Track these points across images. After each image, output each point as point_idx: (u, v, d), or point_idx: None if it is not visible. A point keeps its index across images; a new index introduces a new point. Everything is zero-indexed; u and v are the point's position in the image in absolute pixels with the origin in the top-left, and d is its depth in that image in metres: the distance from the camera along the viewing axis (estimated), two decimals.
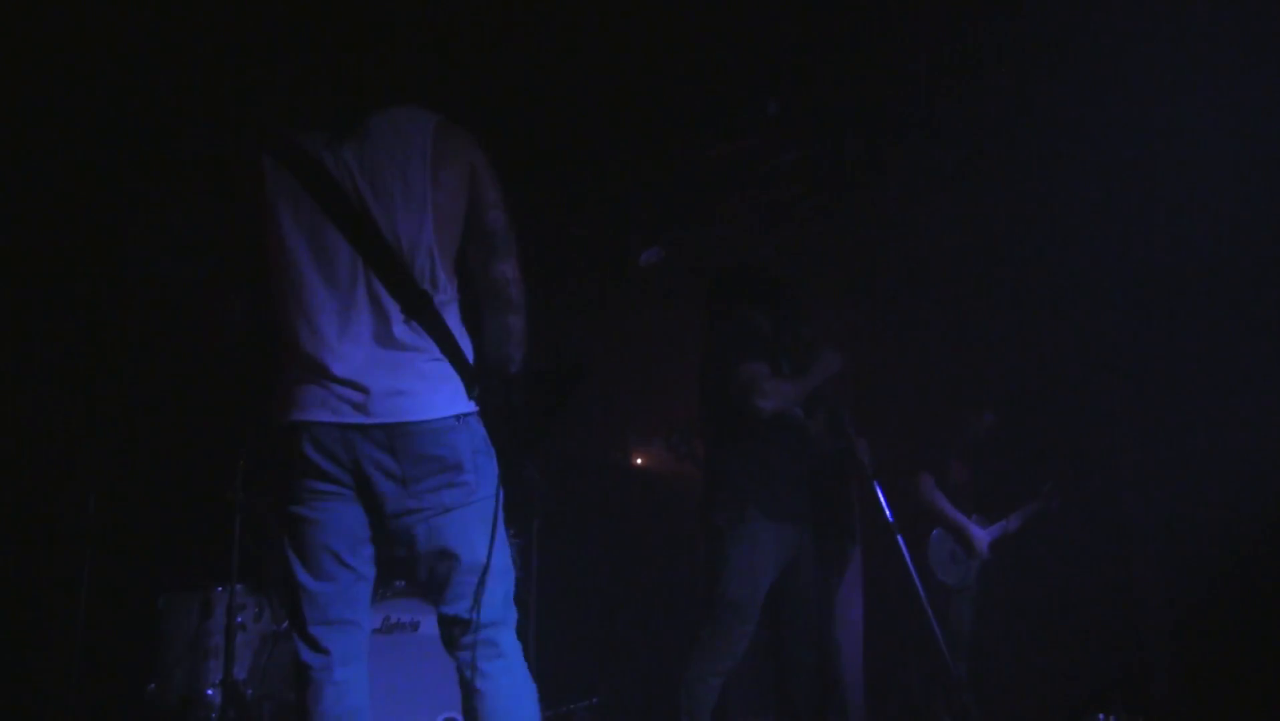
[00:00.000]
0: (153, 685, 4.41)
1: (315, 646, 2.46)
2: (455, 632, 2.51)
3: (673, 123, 5.20)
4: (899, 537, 3.94)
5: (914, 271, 6.35)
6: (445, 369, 2.45)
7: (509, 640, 2.57)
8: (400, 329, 2.39)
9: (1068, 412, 6.03)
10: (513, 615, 2.60)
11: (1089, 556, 5.88)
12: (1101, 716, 5.00)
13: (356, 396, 2.36)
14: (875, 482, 4.05)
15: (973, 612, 5.38)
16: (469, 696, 2.50)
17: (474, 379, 2.51)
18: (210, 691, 4.30)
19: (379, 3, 2.64)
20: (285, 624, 4.37)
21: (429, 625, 4.33)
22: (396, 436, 2.37)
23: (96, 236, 4.83)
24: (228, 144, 2.79)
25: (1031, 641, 5.85)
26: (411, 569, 2.51)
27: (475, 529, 2.47)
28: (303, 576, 2.44)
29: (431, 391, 2.41)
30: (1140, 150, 5.07)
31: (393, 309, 2.39)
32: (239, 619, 4.29)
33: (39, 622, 4.70)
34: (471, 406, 2.50)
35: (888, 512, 4.00)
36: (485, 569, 2.47)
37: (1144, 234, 5.47)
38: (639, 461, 6.83)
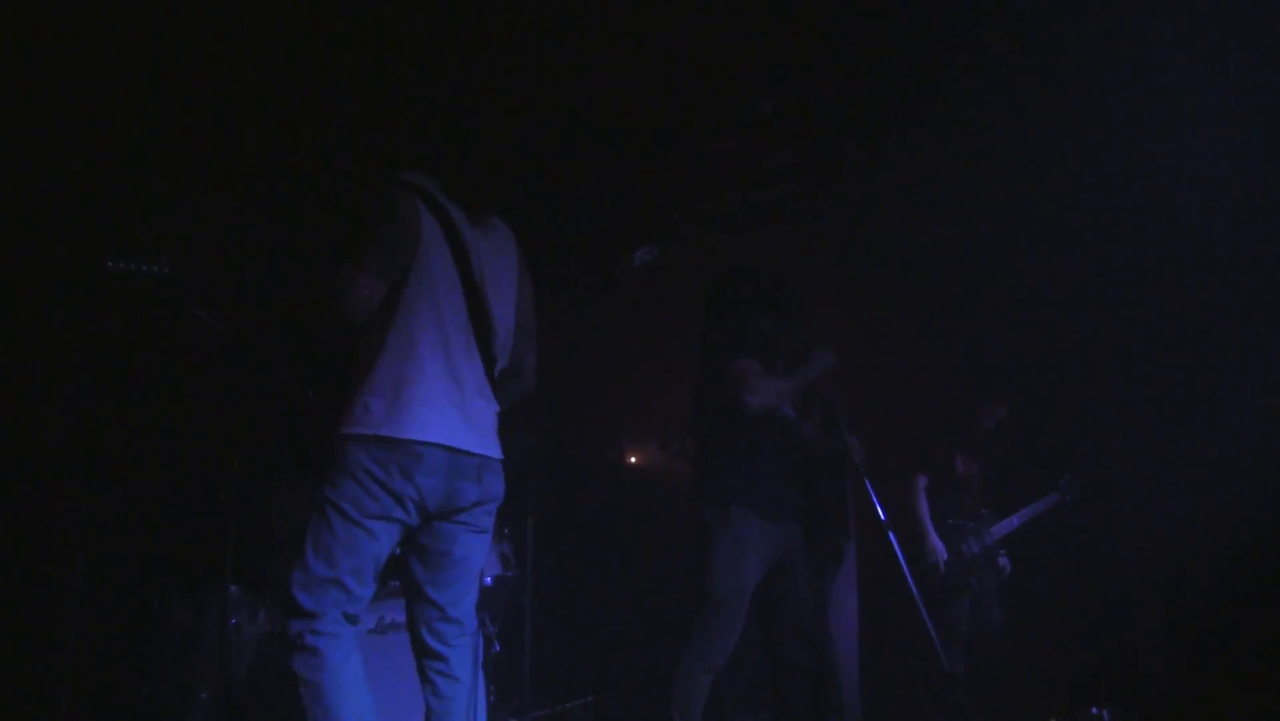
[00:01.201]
0: (146, 688, 4.41)
1: (325, 630, 2.71)
2: (448, 631, 2.93)
3: (666, 121, 5.20)
4: (891, 535, 3.94)
5: (910, 270, 6.36)
6: (497, 421, 3.02)
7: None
8: (484, 385, 2.95)
9: (1064, 409, 6.05)
10: None
11: (1082, 550, 5.90)
12: (1095, 710, 5.01)
13: (469, 430, 2.85)
14: (867, 481, 4.05)
15: (971, 611, 5.39)
16: (448, 682, 2.91)
17: None
18: (204, 694, 4.30)
19: None
20: (280, 624, 4.36)
21: None
22: (485, 467, 2.91)
23: (92, 235, 4.82)
24: (366, 171, 3.10)
25: (1025, 635, 5.87)
26: (423, 564, 2.90)
27: (485, 552, 3.03)
28: (348, 578, 2.73)
29: (497, 438, 2.99)
30: (1142, 150, 5.08)
31: (481, 369, 2.93)
32: (233, 620, 4.29)
33: (32, 625, 4.68)
34: None
35: (880, 511, 4.00)
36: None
37: (1144, 234, 5.48)
38: (633, 460, 6.83)
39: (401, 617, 4.36)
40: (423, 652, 2.93)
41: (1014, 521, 5.54)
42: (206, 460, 4.50)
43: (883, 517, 4.04)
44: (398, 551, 2.91)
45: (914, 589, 3.87)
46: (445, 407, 2.79)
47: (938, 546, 5.39)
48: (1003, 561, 5.49)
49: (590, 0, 4.36)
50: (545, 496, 5.09)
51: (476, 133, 3.04)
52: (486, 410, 2.94)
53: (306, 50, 4.10)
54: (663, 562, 5.72)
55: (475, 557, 2.96)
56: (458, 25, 4.37)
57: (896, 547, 3.93)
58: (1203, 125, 4.79)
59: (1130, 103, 4.84)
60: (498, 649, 4.72)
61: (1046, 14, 4.44)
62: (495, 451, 2.95)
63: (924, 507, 5.44)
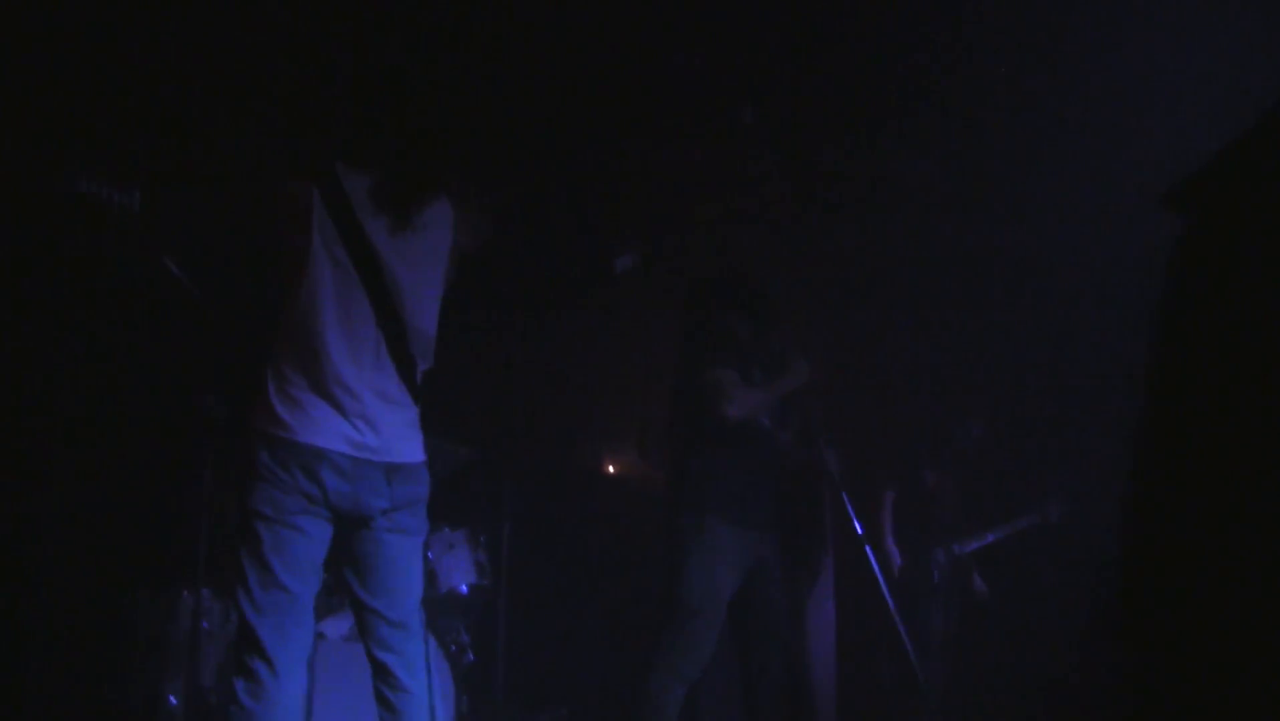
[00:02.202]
0: (112, 692, 4.36)
1: (272, 651, 2.69)
2: (393, 637, 2.90)
3: (647, 129, 5.19)
4: (867, 548, 3.93)
5: (893, 279, 6.36)
6: (417, 423, 2.97)
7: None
8: (395, 389, 2.88)
9: (1059, 424, 6.03)
10: None
11: (1075, 564, 5.88)
12: None
13: (371, 437, 2.81)
14: (844, 493, 4.05)
15: (941, 616, 5.39)
16: (396, 695, 2.89)
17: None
18: (173, 698, 4.25)
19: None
20: None
21: None
22: (394, 472, 2.85)
23: (59, 232, 4.77)
24: (277, 162, 2.99)
25: (1004, 645, 5.85)
26: (354, 571, 2.90)
27: (419, 552, 3.00)
28: (285, 578, 2.72)
29: (416, 440, 2.94)
30: (1133, 156, 5.08)
31: (392, 372, 2.88)
32: (204, 624, 4.24)
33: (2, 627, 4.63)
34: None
35: (855, 523, 4.00)
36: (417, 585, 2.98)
37: (1141, 242, 5.47)
38: (611, 468, 6.81)
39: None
40: (373, 668, 2.91)
41: (988, 537, 5.53)
42: (178, 459, 4.45)
43: (859, 530, 4.04)
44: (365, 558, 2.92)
45: (890, 601, 3.86)
46: (344, 413, 2.78)
47: (892, 552, 5.45)
48: (978, 584, 5.50)
49: (571, 6, 4.34)
50: (520, 504, 5.05)
51: (443, 130, 3.00)
52: (396, 414, 2.88)
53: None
54: (639, 572, 5.67)
55: (404, 559, 2.93)
56: (440, 27, 4.35)
57: (873, 560, 3.93)
58: (1197, 131, 4.80)
59: (1121, 105, 4.85)
60: (471, 659, 4.68)
61: (1031, 18, 4.44)
62: (408, 456, 2.90)
63: (887, 514, 5.49)
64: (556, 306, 6.25)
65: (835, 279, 6.34)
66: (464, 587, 4.69)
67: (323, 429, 2.74)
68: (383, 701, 2.88)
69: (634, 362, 6.13)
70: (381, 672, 2.88)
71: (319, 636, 4.05)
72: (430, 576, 4.60)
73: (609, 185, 5.69)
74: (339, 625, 4.47)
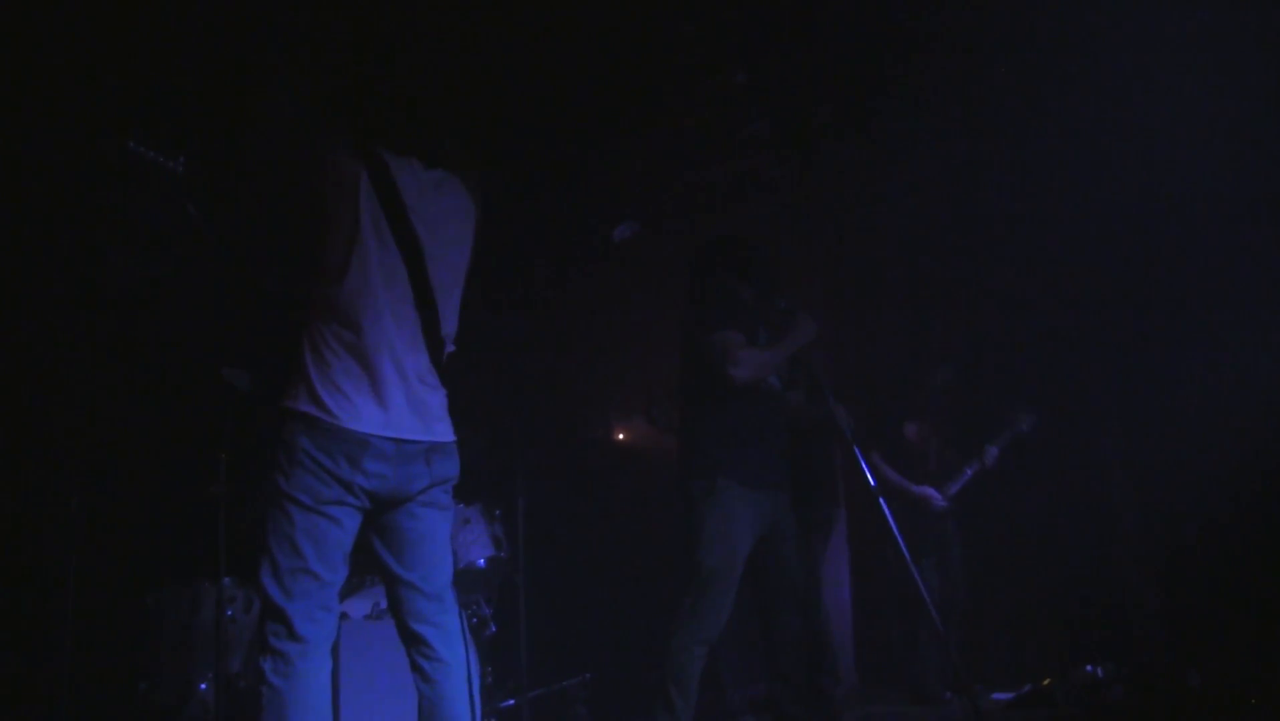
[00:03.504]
0: (144, 684, 4.41)
1: (301, 631, 2.68)
2: (428, 609, 2.90)
3: (642, 95, 5.18)
4: (881, 501, 3.96)
5: (886, 239, 6.37)
6: (446, 405, 2.98)
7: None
8: (429, 372, 2.90)
9: (1046, 366, 6.07)
10: None
11: (1072, 509, 5.93)
12: (1090, 667, 5.05)
13: (413, 419, 2.82)
14: (856, 448, 4.07)
15: (940, 575, 5.44)
16: (434, 665, 2.88)
17: None
18: (204, 686, 4.31)
19: None
20: None
21: None
22: (434, 452, 2.87)
23: (77, 232, 4.79)
24: (310, 137, 2.95)
25: (1017, 596, 5.91)
26: (388, 546, 2.89)
27: (449, 527, 3.02)
28: (317, 566, 2.71)
29: (448, 421, 2.95)
30: (1123, 124, 5.09)
31: (426, 356, 2.90)
32: (229, 611, 4.30)
33: (27, 626, 4.68)
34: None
35: (869, 476, 4.02)
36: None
37: (1122, 189, 5.49)
38: (621, 436, 6.84)
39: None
40: (407, 639, 2.92)
41: (967, 472, 5.56)
42: (197, 451, 4.48)
43: (872, 484, 4.06)
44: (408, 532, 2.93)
45: (906, 552, 3.89)
46: (390, 398, 2.79)
47: (928, 492, 5.45)
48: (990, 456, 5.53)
49: None
50: (534, 476, 5.09)
51: (451, 108, 3.02)
52: (433, 396, 2.91)
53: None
54: (655, 537, 5.73)
55: (439, 533, 2.97)
56: (431, 9, 4.34)
57: (887, 512, 3.95)
58: (1182, 112, 4.82)
59: (1108, 77, 4.85)
60: (493, 630, 4.74)
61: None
62: (445, 435, 2.93)
63: (891, 472, 5.49)
64: (558, 276, 6.27)
65: (828, 239, 6.36)
66: (482, 561, 4.74)
67: (367, 414, 2.74)
68: (420, 673, 2.88)
69: (638, 330, 6.16)
70: (419, 645, 2.89)
71: (342, 616, 4.08)
72: None
73: (605, 154, 5.68)
74: (361, 605, 4.52)
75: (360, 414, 2.73)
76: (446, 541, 2.98)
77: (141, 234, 4.70)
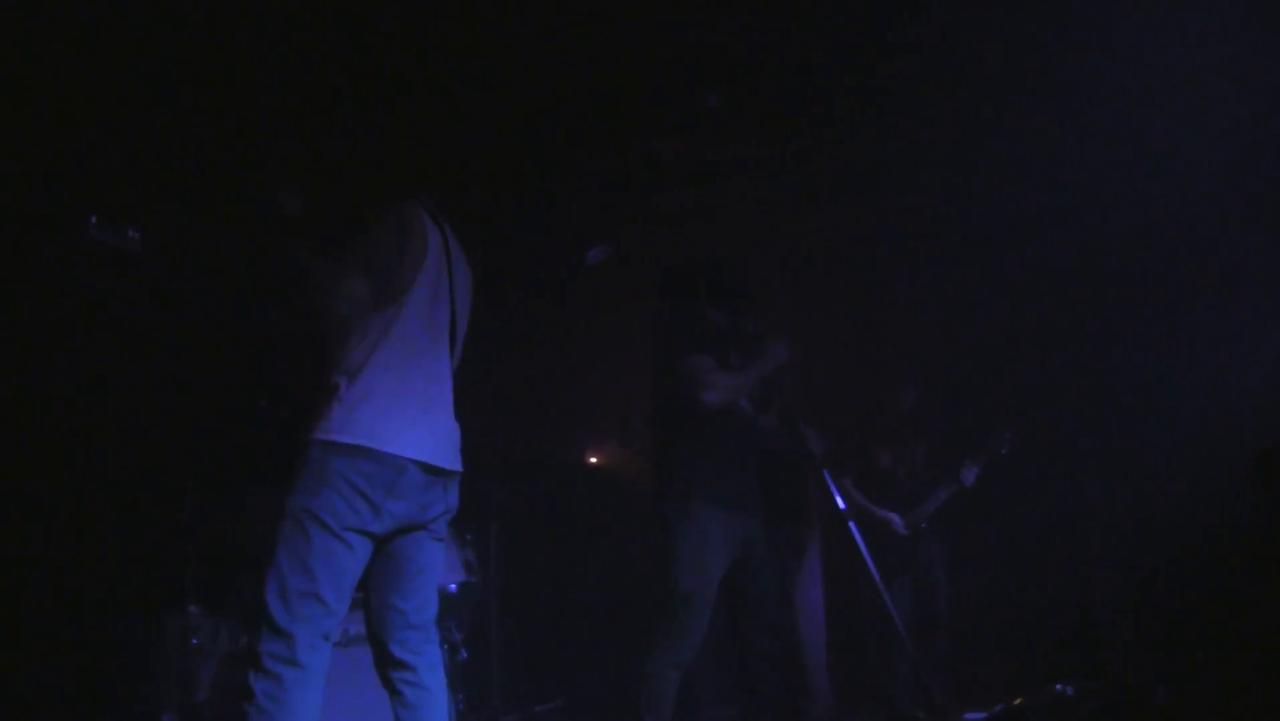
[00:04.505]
0: (108, 717, 4.35)
1: (301, 658, 2.64)
2: (415, 639, 2.93)
3: (615, 118, 5.19)
4: (851, 524, 3.98)
5: (859, 261, 6.40)
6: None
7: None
8: (450, 401, 3.04)
9: (1019, 385, 6.10)
10: None
11: (1041, 527, 5.96)
12: (1060, 686, 5.06)
13: (441, 447, 2.91)
14: (826, 472, 4.09)
15: (914, 596, 5.46)
16: (415, 691, 2.90)
17: None
18: (168, 717, 4.25)
19: None
20: (244, 641, 4.33)
21: None
22: (450, 480, 2.99)
23: (39, 252, 4.74)
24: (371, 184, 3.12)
25: (987, 616, 5.93)
26: (388, 573, 2.91)
27: (442, 558, 3.12)
28: (327, 592, 2.68)
29: (459, 454, 3.05)
30: (1096, 126, 5.14)
31: (450, 386, 3.05)
32: (195, 641, 4.24)
33: None
34: None
35: (839, 500, 4.04)
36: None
37: (1096, 205, 5.53)
38: (593, 460, 6.83)
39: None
40: (389, 664, 2.91)
41: (941, 495, 5.58)
42: (161, 477, 4.44)
43: (842, 507, 4.08)
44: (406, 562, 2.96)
45: (876, 575, 3.91)
46: (425, 425, 2.85)
47: (889, 516, 5.46)
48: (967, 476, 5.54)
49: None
50: (507, 499, 5.07)
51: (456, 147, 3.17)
52: (454, 426, 3.02)
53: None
54: (627, 561, 5.72)
55: (437, 564, 3.04)
56: (407, 26, 4.33)
57: (857, 535, 3.98)
58: (1163, 111, 4.87)
59: (1078, 80, 4.89)
60: (464, 656, 4.71)
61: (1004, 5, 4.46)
62: (459, 465, 3.02)
63: (857, 494, 5.50)
64: (531, 301, 6.26)
65: (801, 262, 6.39)
66: (453, 586, 4.71)
67: (405, 439, 2.78)
68: (400, 698, 2.89)
69: (611, 354, 6.16)
70: (402, 671, 2.89)
71: None
72: None
73: (578, 178, 5.69)
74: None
75: (402, 438, 2.77)
76: (438, 573, 3.04)
77: (96, 249, 4.66)
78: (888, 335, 6.36)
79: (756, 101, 5.14)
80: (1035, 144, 5.22)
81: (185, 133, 4.45)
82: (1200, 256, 5.43)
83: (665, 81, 4.91)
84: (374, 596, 2.93)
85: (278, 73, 4.30)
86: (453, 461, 2.96)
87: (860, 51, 4.77)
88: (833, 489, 4.02)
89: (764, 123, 5.36)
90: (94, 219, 3.24)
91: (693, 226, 6.22)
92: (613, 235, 5.86)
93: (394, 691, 2.90)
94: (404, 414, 2.79)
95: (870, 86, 5.00)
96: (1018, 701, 5.08)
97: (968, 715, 5.29)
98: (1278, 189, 5.11)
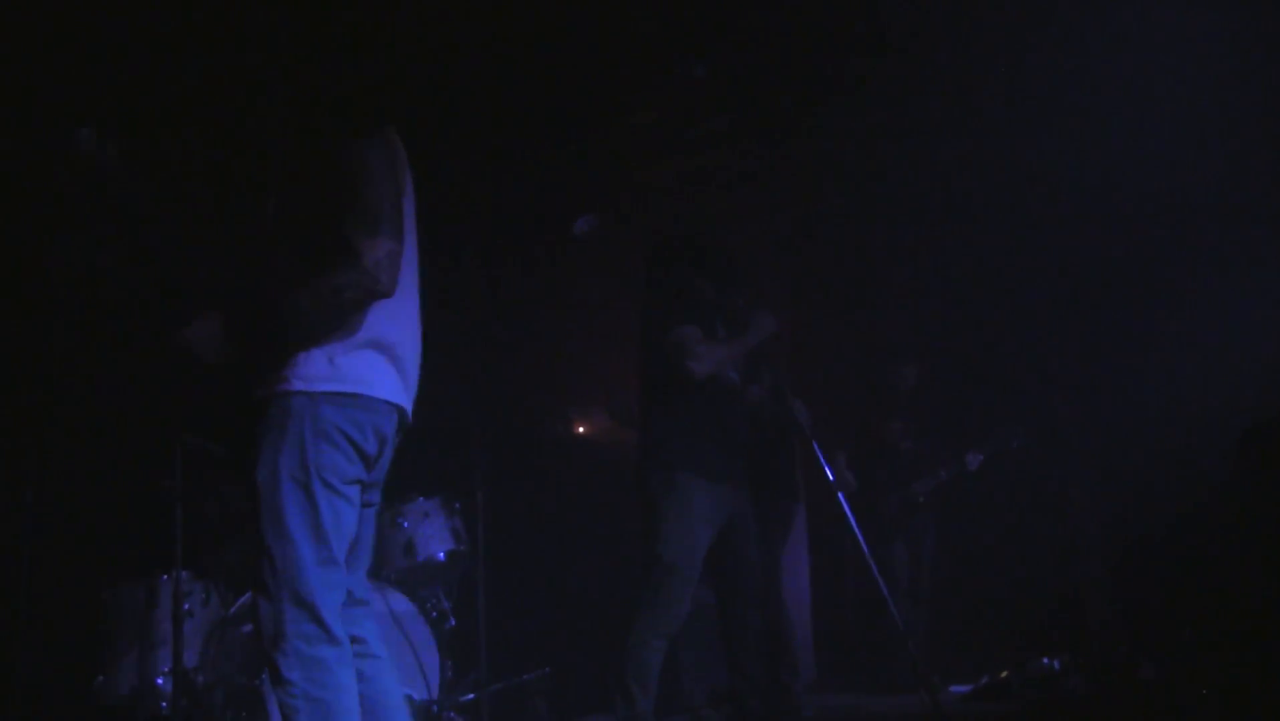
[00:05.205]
0: (101, 677, 4.38)
1: (336, 632, 2.42)
2: (358, 613, 2.67)
3: (602, 89, 5.17)
4: (840, 495, 3.99)
5: (848, 236, 6.40)
6: None
7: None
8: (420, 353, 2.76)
9: (1008, 361, 6.13)
10: None
11: (1027, 501, 6.00)
12: (1046, 660, 5.10)
13: (408, 383, 2.68)
14: (815, 443, 4.10)
15: (907, 561, 5.55)
16: (369, 662, 2.64)
17: None
18: (160, 680, 4.28)
19: None
20: (234, 609, 4.35)
21: (378, 602, 4.33)
22: (399, 435, 2.71)
23: (29, 227, 4.73)
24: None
25: (973, 589, 5.97)
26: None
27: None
28: (340, 554, 2.47)
29: None
30: (1098, 122, 5.14)
31: (419, 338, 2.76)
32: (186, 605, 4.26)
33: None
34: None
35: (828, 471, 4.05)
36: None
37: (1095, 198, 5.55)
38: (581, 430, 6.84)
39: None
40: None
41: (941, 475, 5.63)
42: (151, 444, 4.44)
43: (830, 478, 4.09)
44: None
45: (865, 548, 3.92)
46: (400, 370, 2.64)
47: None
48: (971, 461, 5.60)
49: None
50: (494, 469, 5.08)
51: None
52: (416, 379, 2.80)
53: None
54: (615, 531, 5.74)
55: (372, 533, 2.81)
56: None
57: (846, 507, 3.99)
58: (1168, 96, 4.88)
59: (1067, 48, 4.89)
60: (452, 624, 4.73)
61: None
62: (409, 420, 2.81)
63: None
64: (518, 270, 6.25)
65: (787, 234, 6.38)
66: (441, 555, 4.73)
67: (390, 384, 2.59)
68: (357, 672, 2.60)
69: (598, 323, 6.16)
70: (356, 645, 2.61)
71: None
72: (408, 545, 4.65)
73: (564, 148, 5.67)
74: None
75: (385, 382, 2.57)
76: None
77: (85, 220, 4.65)
78: (885, 311, 6.36)
79: (745, 72, 5.12)
80: (1033, 135, 5.24)
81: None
82: (1188, 242, 5.44)
83: (653, 51, 4.89)
84: None
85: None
86: (409, 415, 2.72)
87: (854, 19, 4.76)
88: (822, 460, 4.03)
89: (752, 93, 5.34)
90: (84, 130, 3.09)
91: (681, 198, 6.21)
92: (600, 206, 5.86)
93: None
94: (386, 359, 2.59)
95: (869, 51, 4.97)
96: (1004, 674, 5.13)
97: (954, 687, 5.34)
98: (1268, 179, 5.13)
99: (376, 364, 2.57)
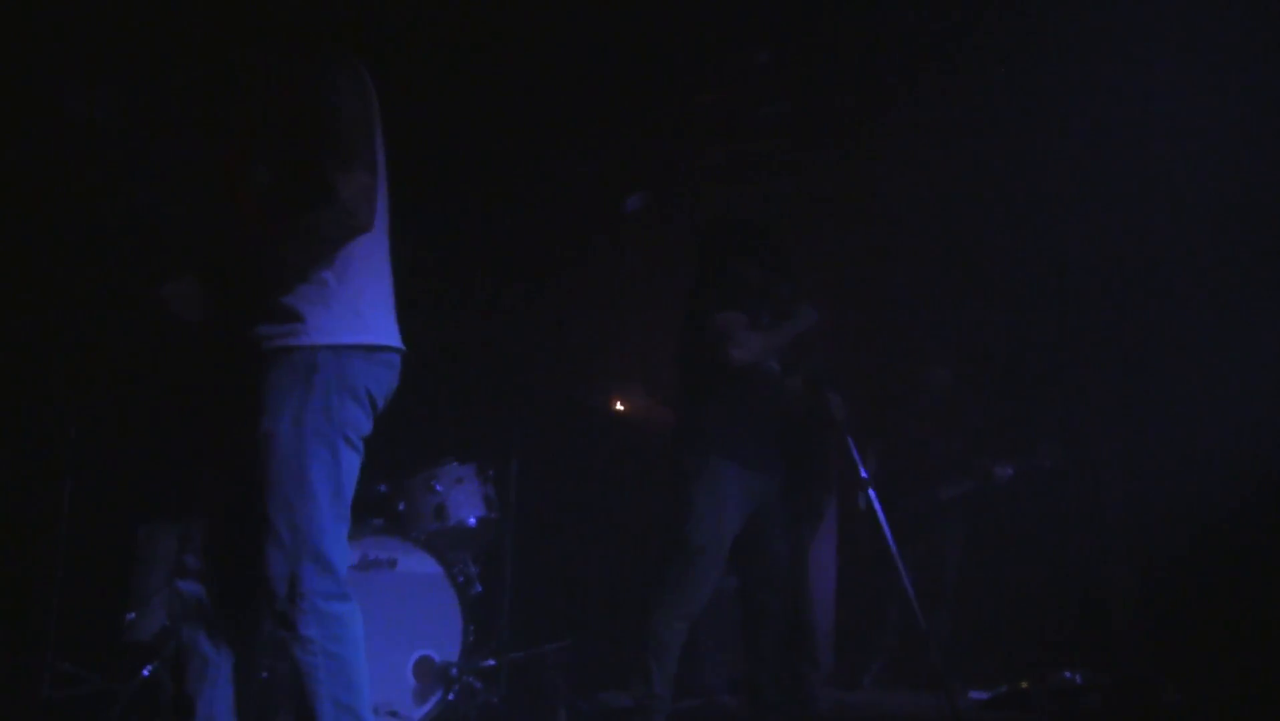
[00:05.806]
0: (132, 614, 4.45)
1: (348, 589, 2.41)
2: None
3: (661, 69, 5.16)
4: (871, 491, 3.98)
5: (895, 233, 6.36)
6: None
7: None
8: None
9: (1042, 373, 6.08)
10: None
11: (1054, 513, 5.95)
12: (1068, 674, 5.07)
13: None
14: (849, 438, 4.09)
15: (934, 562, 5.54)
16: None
17: None
18: (130, 615, 4.35)
19: None
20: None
21: (406, 563, 4.38)
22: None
23: (69, 183, 4.78)
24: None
25: (996, 598, 5.93)
26: None
27: None
28: (348, 511, 2.43)
29: None
30: (1134, 123, 5.07)
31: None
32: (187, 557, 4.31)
33: (17, 552, 4.71)
34: None
35: (860, 467, 4.04)
36: None
37: (1133, 210, 5.48)
38: (619, 405, 6.85)
39: (384, 555, 4.40)
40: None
41: (967, 484, 5.59)
42: (188, 388, 4.49)
43: (863, 474, 4.09)
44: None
45: (893, 546, 3.91)
46: (392, 314, 2.58)
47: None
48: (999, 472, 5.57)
49: None
50: (529, 439, 5.10)
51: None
52: None
53: None
54: (645, 509, 5.75)
55: None
56: None
57: (876, 504, 3.98)
58: (1196, 108, 4.79)
59: (1126, 74, 4.82)
60: (479, 590, 4.77)
61: None
62: None
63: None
64: (567, 243, 6.26)
65: (843, 225, 6.35)
66: (472, 520, 4.76)
67: (394, 329, 2.54)
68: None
69: (643, 302, 6.16)
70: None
71: None
72: (439, 509, 4.68)
73: (620, 125, 5.66)
74: (350, 555, 4.55)
75: (391, 329, 2.52)
76: None
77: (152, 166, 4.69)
78: (924, 312, 6.32)
79: (807, 62, 5.09)
80: (1076, 127, 5.17)
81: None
82: (1225, 254, 5.36)
83: (718, 34, 4.86)
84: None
85: None
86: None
87: (915, 14, 4.71)
88: (855, 456, 4.01)
89: (813, 84, 5.30)
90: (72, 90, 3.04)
91: (734, 183, 6.19)
92: (652, 184, 5.84)
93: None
94: (385, 302, 2.54)
95: (923, 48, 4.93)
96: (1024, 684, 5.10)
97: (973, 693, 5.31)
98: None
99: (391, 313, 2.53)
